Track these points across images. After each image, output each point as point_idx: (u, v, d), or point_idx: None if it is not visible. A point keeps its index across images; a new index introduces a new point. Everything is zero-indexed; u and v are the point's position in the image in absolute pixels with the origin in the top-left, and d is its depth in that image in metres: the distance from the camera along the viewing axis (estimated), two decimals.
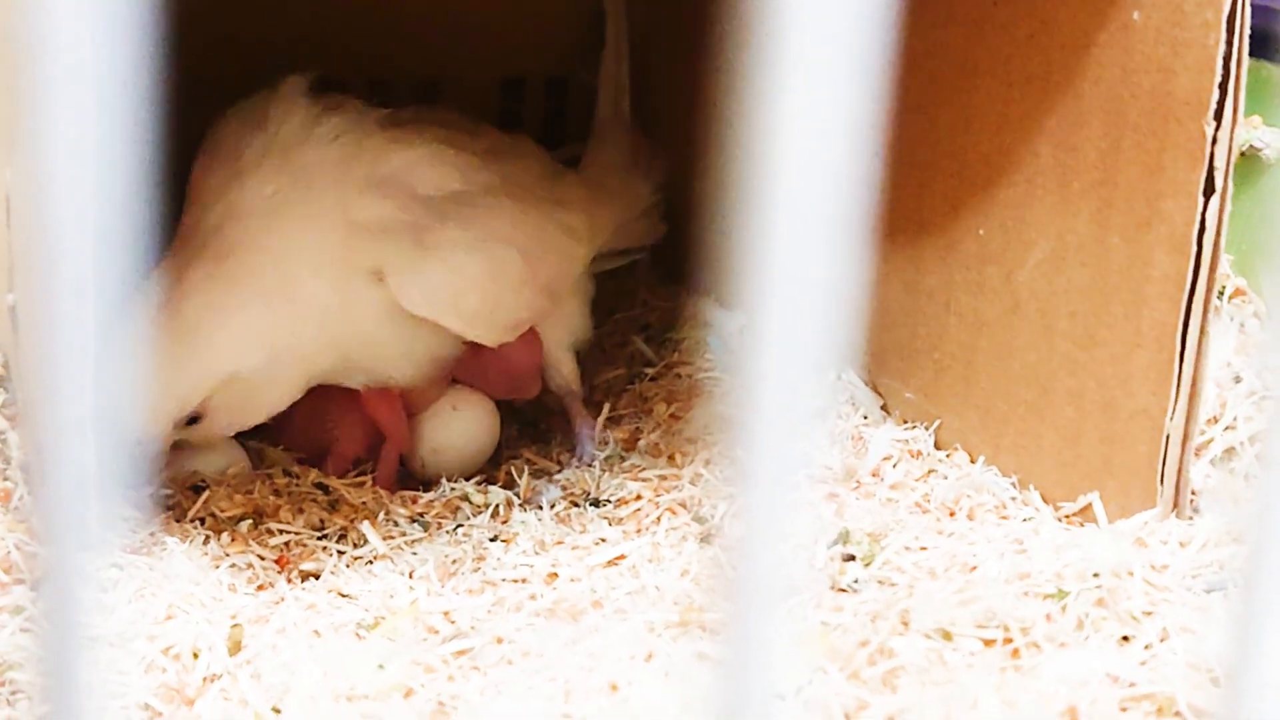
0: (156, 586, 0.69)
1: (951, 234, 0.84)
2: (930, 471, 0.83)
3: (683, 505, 0.81)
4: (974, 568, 0.71)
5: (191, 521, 0.79)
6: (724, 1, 0.38)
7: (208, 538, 0.77)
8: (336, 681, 0.63)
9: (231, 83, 0.84)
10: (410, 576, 0.75)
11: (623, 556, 0.76)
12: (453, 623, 0.70)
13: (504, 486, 0.86)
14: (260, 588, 0.73)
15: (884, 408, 0.90)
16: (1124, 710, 0.59)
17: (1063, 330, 0.77)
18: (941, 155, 0.84)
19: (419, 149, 0.84)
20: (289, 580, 0.75)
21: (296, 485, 0.84)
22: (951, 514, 0.78)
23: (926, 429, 0.86)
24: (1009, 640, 0.63)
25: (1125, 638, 0.63)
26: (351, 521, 0.80)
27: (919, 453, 0.84)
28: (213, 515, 0.79)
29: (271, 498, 0.82)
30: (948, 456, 0.84)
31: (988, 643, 0.63)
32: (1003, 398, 0.82)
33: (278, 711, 0.62)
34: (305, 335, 0.80)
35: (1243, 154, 0.84)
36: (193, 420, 0.79)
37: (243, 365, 0.78)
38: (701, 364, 0.97)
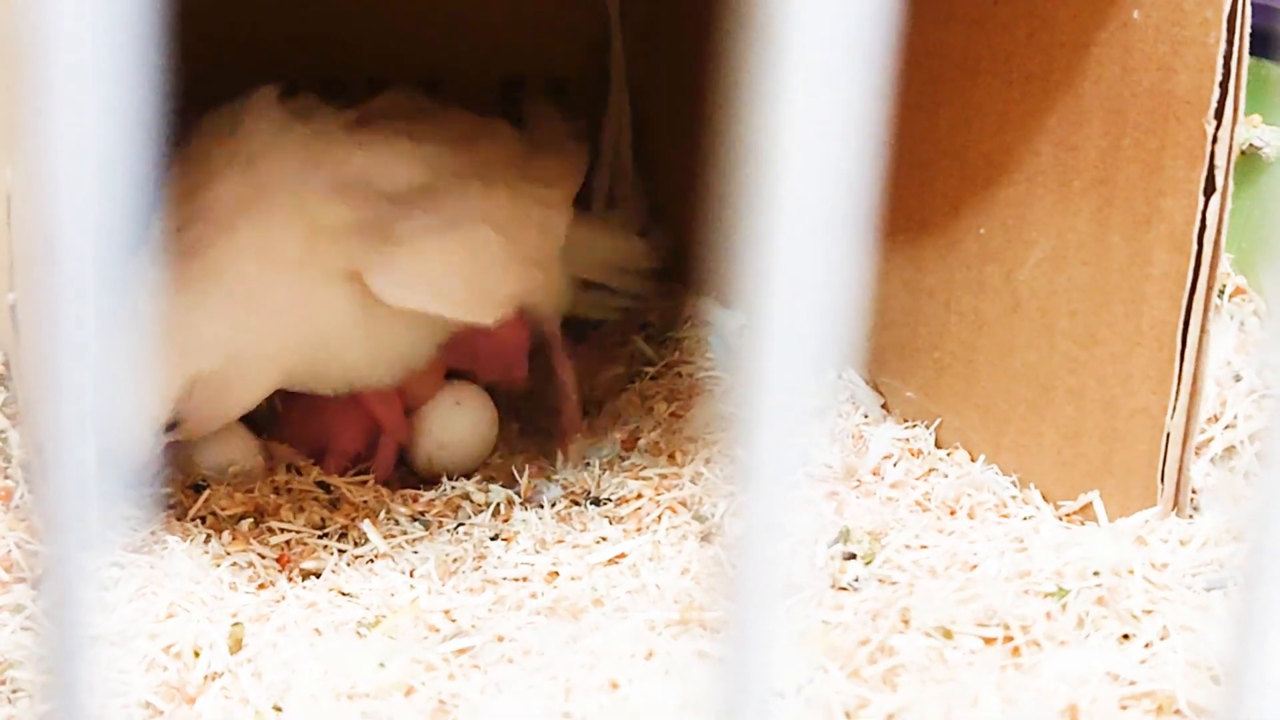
0: (157, 585, 0.69)
1: (952, 233, 0.84)
2: (931, 470, 0.83)
3: (683, 504, 0.81)
4: (974, 566, 0.71)
5: (192, 520, 0.79)
6: (724, 1, 0.38)
7: (209, 536, 0.77)
8: (337, 680, 0.64)
9: (231, 83, 0.85)
10: (411, 575, 0.75)
11: (623, 555, 0.76)
12: (453, 621, 0.70)
13: (505, 485, 0.86)
14: (261, 586, 0.73)
15: (884, 406, 0.90)
16: (1124, 708, 0.59)
17: (1063, 329, 0.77)
18: (942, 154, 0.84)
19: (381, 149, 0.85)
20: (290, 579, 0.75)
21: (298, 484, 0.84)
22: (952, 512, 0.78)
23: (927, 428, 0.86)
24: (1009, 638, 0.63)
25: (1125, 636, 0.64)
26: (352, 520, 0.81)
27: (919, 451, 0.84)
28: (213, 514, 0.79)
29: (272, 496, 0.82)
30: (948, 455, 0.84)
31: (988, 641, 0.63)
32: (1003, 396, 0.82)
33: (279, 710, 0.62)
34: (267, 336, 0.80)
35: (1243, 152, 0.84)
36: (173, 425, 0.79)
37: (203, 365, 0.78)
38: (702, 363, 0.97)
